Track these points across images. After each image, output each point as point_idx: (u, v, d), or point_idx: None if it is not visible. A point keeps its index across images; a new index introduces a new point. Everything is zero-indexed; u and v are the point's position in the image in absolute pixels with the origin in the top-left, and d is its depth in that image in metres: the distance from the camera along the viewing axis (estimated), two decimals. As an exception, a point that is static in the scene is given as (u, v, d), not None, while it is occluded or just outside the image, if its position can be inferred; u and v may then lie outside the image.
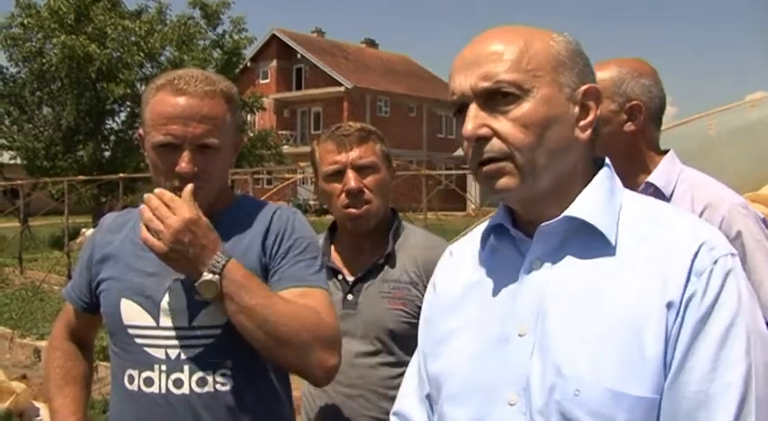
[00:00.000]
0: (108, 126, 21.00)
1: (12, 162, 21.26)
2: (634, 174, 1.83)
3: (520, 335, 1.04)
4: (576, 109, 1.05)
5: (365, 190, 1.86)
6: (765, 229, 1.76)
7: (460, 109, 1.06)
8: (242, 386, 1.51)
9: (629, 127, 1.83)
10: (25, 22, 19.42)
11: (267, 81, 42.72)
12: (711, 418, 0.91)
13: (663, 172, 1.83)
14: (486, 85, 1.02)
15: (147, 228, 1.41)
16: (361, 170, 1.87)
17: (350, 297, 1.90)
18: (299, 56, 42.34)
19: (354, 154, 1.87)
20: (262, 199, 1.85)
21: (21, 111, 19.99)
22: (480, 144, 1.04)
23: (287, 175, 18.70)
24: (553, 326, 1.00)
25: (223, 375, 1.50)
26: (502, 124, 1.02)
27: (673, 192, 1.80)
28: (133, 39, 19.60)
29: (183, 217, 1.39)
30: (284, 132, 39.81)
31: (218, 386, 1.49)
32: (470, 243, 1.22)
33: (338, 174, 1.88)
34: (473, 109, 1.04)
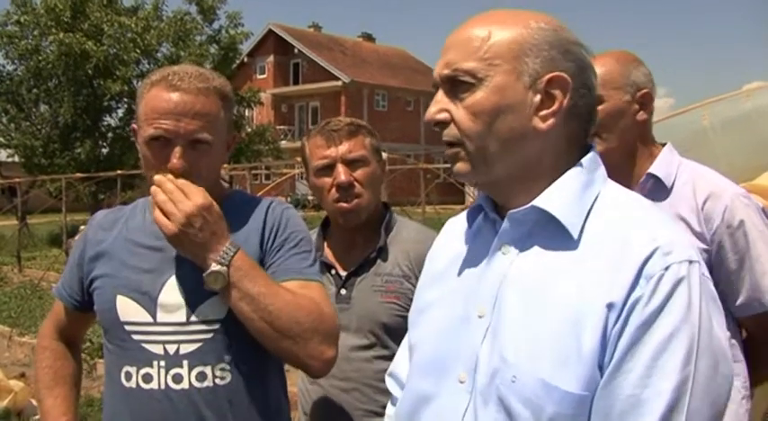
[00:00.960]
0: (105, 123, 20.99)
1: (9, 160, 21.26)
2: (641, 164, 1.82)
3: (479, 317, 1.07)
4: (538, 97, 1.04)
5: (355, 184, 1.87)
6: (766, 219, 1.77)
7: None
8: (241, 380, 1.52)
9: (641, 116, 1.81)
10: (21, 19, 19.38)
11: (264, 76, 42.65)
12: None
13: (663, 163, 1.82)
14: (446, 72, 1.06)
15: (161, 210, 1.44)
16: (351, 164, 1.88)
17: (343, 291, 1.90)
18: (296, 51, 42.26)
19: (344, 148, 1.87)
20: (259, 194, 1.84)
21: (18, 109, 19.96)
22: (441, 128, 1.08)
23: (285, 170, 18.68)
24: (506, 312, 1.03)
25: (222, 370, 1.50)
26: (458, 111, 1.06)
27: (673, 183, 1.80)
28: (129, 35, 19.56)
29: (197, 202, 1.42)
30: (282, 127, 39.76)
31: (217, 380, 1.50)
32: (464, 219, 1.24)
33: (328, 169, 1.88)
34: (438, 94, 1.09)
